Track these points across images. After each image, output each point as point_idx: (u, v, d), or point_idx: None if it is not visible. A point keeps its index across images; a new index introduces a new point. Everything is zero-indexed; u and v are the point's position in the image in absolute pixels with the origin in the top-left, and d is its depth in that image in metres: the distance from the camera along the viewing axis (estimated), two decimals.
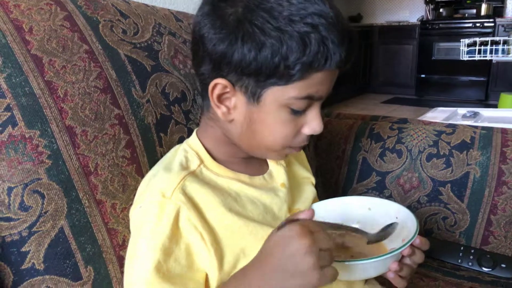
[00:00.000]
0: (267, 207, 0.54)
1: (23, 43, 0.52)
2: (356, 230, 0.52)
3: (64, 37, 0.56)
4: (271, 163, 0.60)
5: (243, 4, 0.45)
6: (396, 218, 0.55)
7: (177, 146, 0.57)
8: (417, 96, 5.04)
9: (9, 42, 0.51)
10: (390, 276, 0.49)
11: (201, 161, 0.53)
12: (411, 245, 0.48)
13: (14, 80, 0.49)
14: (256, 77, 0.46)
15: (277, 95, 0.47)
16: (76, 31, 0.58)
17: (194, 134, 0.57)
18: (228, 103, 0.50)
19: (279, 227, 0.43)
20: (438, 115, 1.91)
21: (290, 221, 0.44)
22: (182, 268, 0.46)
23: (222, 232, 0.49)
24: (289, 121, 0.49)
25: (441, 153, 0.88)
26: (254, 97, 0.48)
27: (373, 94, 5.35)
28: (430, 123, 0.97)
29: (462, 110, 2.03)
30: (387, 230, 0.51)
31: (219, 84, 0.49)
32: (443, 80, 4.83)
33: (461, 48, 2.21)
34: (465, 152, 0.87)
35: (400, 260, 0.49)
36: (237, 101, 0.49)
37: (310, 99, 0.48)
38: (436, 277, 0.79)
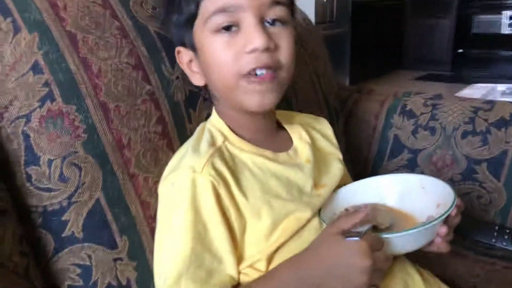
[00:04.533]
0: (292, 182, 0.54)
1: (58, 20, 0.53)
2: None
3: (96, 13, 0.57)
4: (296, 139, 0.59)
5: None
6: (423, 188, 0.55)
7: (202, 124, 0.58)
8: (453, 72, 4.83)
9: (45, 19, 0.52)
10: (438, 241, 0.49)
11: (225, 138, 0.53)
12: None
13: (51, 57, 0.51)
14: (183, 26, 0.52)
15: (199, 27, 0.50)
16: (108, 8, 0.59)
17: (213, 112, 0.57)
18: (194, 67, 0.55)
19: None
20: (475, 91, 1.83)
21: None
22: (224, 240, 0.47)
23: (245, 207, 0.49)
24: (224, 47, 0.48)
25: (478, 130, 0.85)
26: (193, 46, 0.52)
27: (405, 70, 5.16)
28: (466, 99, 0.93)
29: (501, 87, 1.94)
30: None
31: (180, 51, 0.55)
32: (482, 54, 4.60)
33: (502, 21, 2.09)
34: (503, 129, 0.83)
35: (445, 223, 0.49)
36: (194, 60, 0.54)
37: (224, 12, 0.47)
38: (468, 255, 0.78)
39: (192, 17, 0.50)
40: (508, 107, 0.86)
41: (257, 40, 0.46)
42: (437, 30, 4.91)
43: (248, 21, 0.47)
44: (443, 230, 0.48)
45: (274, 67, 0.49)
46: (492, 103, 0.89)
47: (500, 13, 4.19)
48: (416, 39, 5.10)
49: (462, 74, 4.69)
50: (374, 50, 4.65)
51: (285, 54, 0.49)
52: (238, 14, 0.47)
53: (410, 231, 0.45)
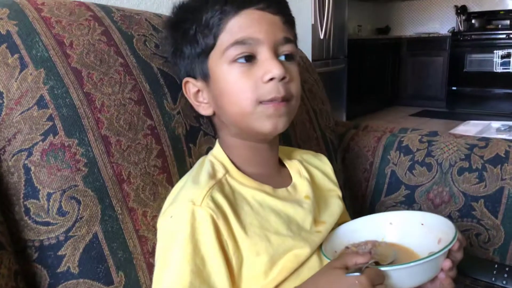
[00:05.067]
0: (291, 218, 0.54)
1: (64, 57, 0.55)
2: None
3: (101, 51, 0.59)
4: (295, 176, 0.60)
5: None
6: (422, 224, 0.55)
7: (202, 158, 0.58)
8: (447, 109, 4.92)
9: (51, 56, 0.54)
10: (442, 277, 0.49)
11: (226, 171, 0.54)
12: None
13: (56, 92, 0.52)
14: (196, 57, 0.54)
15: (215, 58, 0.52)
16: (112, 45, 0.61)
17: (217, 144, 0.59)
18: (201, 98, 0.57)
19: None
20: (470, 128, 1.86)
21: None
22: (223, 275, 0.47)
23: (244, 243, 0.49)
24: (241, 76, 0.51)
25: (474, 167, 0.86)
26: (206, 76, 0.54)
27: (402, 106, 5.26)
28: (461, 136, 0.95)
29: (496, 124, 1.97)
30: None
31: (188, 82, 0.57)
32: (475, 92, 4.70)
33: (494, 60, 2.16)
34: (499, 166, 0.84)
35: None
36: (203, 90, 0.56)
37: (242, 44, 0.50)
38: None
39: (209, 49, 0.52)
40: (503, 145, 0.87)
41: (276, 70, 0.50)
42: (431, 68, 5.04)
43: (265, 54, 0.51)
44: (447, 264, 0.48)
45: (288, 98, 0.52)
46: (487, 140, 0.90)
47: (492, 52, 4.32)
48: (411, 76, 5.23)
49: (456, 111, 4.78)
50: (370, 87, 4.75)
51: (295, 86, 0.53)
52: (255, 47, 0.51)
53: (412, 264, 0.45)
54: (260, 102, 0.51)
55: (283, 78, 0.51)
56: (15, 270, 0.47)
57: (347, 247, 0.56)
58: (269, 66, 0.50)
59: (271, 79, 0.50)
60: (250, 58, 0.51)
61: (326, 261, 0.51)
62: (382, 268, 0.46)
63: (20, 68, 0.52)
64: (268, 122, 0.52)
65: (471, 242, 0.85)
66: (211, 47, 0.52)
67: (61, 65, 0.54)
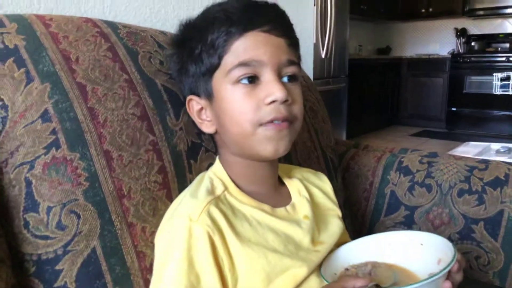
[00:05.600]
0: (289, 237, 0.54)
1: (69, 72, 0.56)
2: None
3: (107, 66, 0.60)
4: (294, 195, 0.60)
5: None
6: (421, 244, 0.55)
7: (202, 174, 0.59)
8: (447, 130, 4.94)
9: (57, 70, 0.55)
10: None
11: (225, 188, 0.54)
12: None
13: (60, 106, 0.53)
14: (200, 76, 0.55)
15: (219, 78, 0.53)
16: (117, 61, 0.62)
17: (217, 161, 0.59)
18: (204, 115, 0.57)
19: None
20: (470, 149, 1.86)
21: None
22: None
23: (240, 259, 0.49)
24: (244, 97, 0.51)
25: (474, 189, 0.86)
26: (210, 95, 0.54)
27: (402, 126, 5.28)
28: (461, 158, 0.95)
29: (495, 146, 1.98)
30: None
31: (192, 99, 0.58)
32: (475, 113, 4.72)
33: (494, 82, 2.18)
34: (498, 189, 0.84)
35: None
36: (206, 109, 0.57)
37: (246, 66, 0.51)
38: None
39: (213, 69, 0.53)
40: (503, 168, 0.88)
41: (278, 92, 0.50)
42: (431, 89, 5.08)
43: (268, 76, 0.51)
44: (447, 286, 0.47)
45: (290, 119, 0.53)
46: (486, 162, 0.91)
47: (491, 75, 4.36)
48: (411, 96, 5.26)
49: (456, 132, 4.79)
50: (370, 106, 4.78)
51: (297, 108, 0.54)
52: (259, 68, 0.51)
53: (412, 286, 0.44)
54: (262, 124, 0.51)
55: (285, 101, 0.51)
56: (12, 284, 0.46)
57: (346, 269, 0.55)
58: (272, 89, 0.51)
59: (273, 101, 0.51)
60: (253, 79, 0.51)
61: (325, 283, 0.50)
62: None
63: (26, 82, 0.52)
64: (269, 145, 0.52)
65: (471, 265, 0.84)
66: (216, 67, 0.53)
67: (67, 80, 0.55)
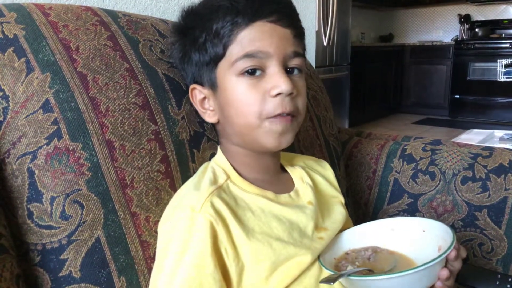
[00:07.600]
0: (293, 223, 0.54)
1: (70, 61, 0.55)
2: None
3: (107, 55, 0.59)
4: (297, 182, 0.60)
5: None
6: (424, 231, 0.55)
7: (205, 164, 0.59)
8: (450, 117, 4.91)
9: (57, 60, 0.54)
10: (439, 285, 0.48)
11: (228, 176, 0.54)
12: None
13: (61, 96, 0.53)
14: (204, 65, 0.54)
15: (223, 68, 0.52)
16: (118, 50, 0.61)
17: (218, 150, 0.59)
18: (207, 105, 0.57)
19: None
20: (473, 137, 1.85)
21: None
22: (216, 282, 0.47)
23: (245, 249, 0.49)
24: (249, 89, 0.51)
25: (477, 177, 0.86)
26: (213, 85, 0.54)
27: (404, 114, 5.26)
28: (465, 145, 0.94)
29: (499, 133, 1.97)
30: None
31: (195, 88, 0.57)
32: (478, 101, 4.69)
33: (498, 69, 2.16)
34: (502, 176, 0.84)
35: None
36: (209, 98, 0.56)
37: (252, 57, 0.50)
38: None
39: (218, 58, 0.52)
40: (507, 155, 0.87)
41: (284, 85, 0.50)
42: (435, 76, 5.04)
43: (274, 67, 0.51)
44: (444, 273, 0.47)
45: (294, 113, 0.52)
46: (490, 149, 0.90)
47: (495, 61, 4.32)
48: (414, 84, 5.23)
49: (459, 119, 4.77)
50: (373, 94, 4.75)
51: (301, 100, 0.54)
52: (265, 60, 0.51)
53: (406, 272, 0.44)
54: (267, 117, 0.51)
55: (290, 94, 0.51)
56: (17, 273, 0.46)
57: (346, 253, 0.56)
58: (277, 81, 0.50)
59: (279, 93, 0.50)
60: (259, 71, 0.51)
61: (323, 269, 0.51)
62: (377, 277, 0.46)
63: (27, 71, 0.52)
64: (273, 138, 0.52)
65: (474, 252, 0.84)
66: (220, 56, 0.52)
67: (67, 69, 0.54)
